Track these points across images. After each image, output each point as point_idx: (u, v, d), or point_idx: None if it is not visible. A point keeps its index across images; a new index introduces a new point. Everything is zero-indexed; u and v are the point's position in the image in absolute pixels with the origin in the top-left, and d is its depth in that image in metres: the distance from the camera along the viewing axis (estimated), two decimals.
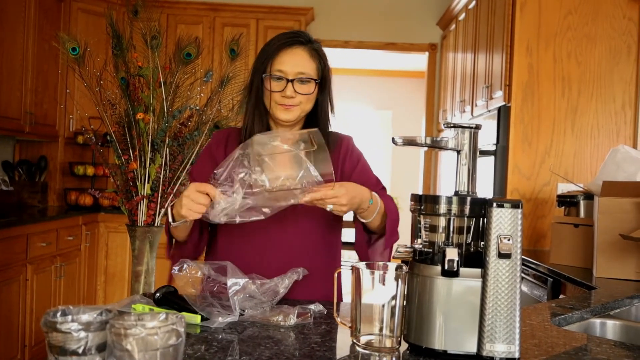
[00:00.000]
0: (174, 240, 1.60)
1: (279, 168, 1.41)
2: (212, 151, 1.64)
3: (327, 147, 1.58)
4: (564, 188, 2.96)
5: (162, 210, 2.10)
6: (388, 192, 1.69)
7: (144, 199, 2.09)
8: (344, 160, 1.65)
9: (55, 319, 0.93)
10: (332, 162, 1.58)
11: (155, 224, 2.13)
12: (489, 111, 3.46)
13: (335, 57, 7.17)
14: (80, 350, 0.88)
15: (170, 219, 1.46)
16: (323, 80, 1.60)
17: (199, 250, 1.64)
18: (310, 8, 4.96)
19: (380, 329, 1.10)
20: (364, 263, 1.15)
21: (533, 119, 3.12)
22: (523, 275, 2.58)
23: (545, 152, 3.11)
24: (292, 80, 1.53)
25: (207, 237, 1.65)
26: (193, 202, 1.35)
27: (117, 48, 2.11)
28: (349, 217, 1.66)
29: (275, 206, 1.37)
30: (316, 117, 1.63)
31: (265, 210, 1.37)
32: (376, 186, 1.64)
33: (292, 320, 1.26)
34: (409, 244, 1.15)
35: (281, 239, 1.57)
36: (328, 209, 1.39)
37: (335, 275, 1.27)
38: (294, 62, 1.54)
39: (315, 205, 1.38)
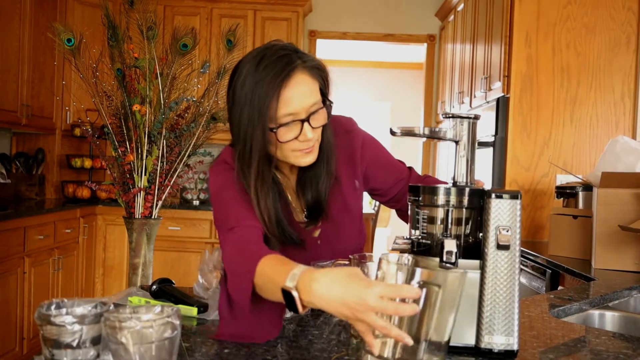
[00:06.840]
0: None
1: None
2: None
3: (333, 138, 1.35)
4: (562, 179, 2.96)
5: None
6: None
7: (141, 191, 2.08)
8: (362, 157, 1.44)
9: (49, 312, 0.92)
10: (348, 159, 1.41)
11: (153, 217, 2.12)
12: (488, 102, 3.44)
13: (333, 48, 7.19)
14: (74, 344, 0.87)
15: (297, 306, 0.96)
16: (325, 93, 1.28)
17: None
18: None
19: None
20: (359, 255, 1.14)
21: (532, 110, 3.10)
22: (521, 266, 2.57)
23: (544, 143, 3.10)
24: (306, 120, 1.20)
25: None
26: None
27: (113, 39, 2.09)
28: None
29: None
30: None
31: None
32: (403, 170, 1.49)
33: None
34: (407, 236, 1.15)
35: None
36: None
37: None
38: (302, 94, 1.19)
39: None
